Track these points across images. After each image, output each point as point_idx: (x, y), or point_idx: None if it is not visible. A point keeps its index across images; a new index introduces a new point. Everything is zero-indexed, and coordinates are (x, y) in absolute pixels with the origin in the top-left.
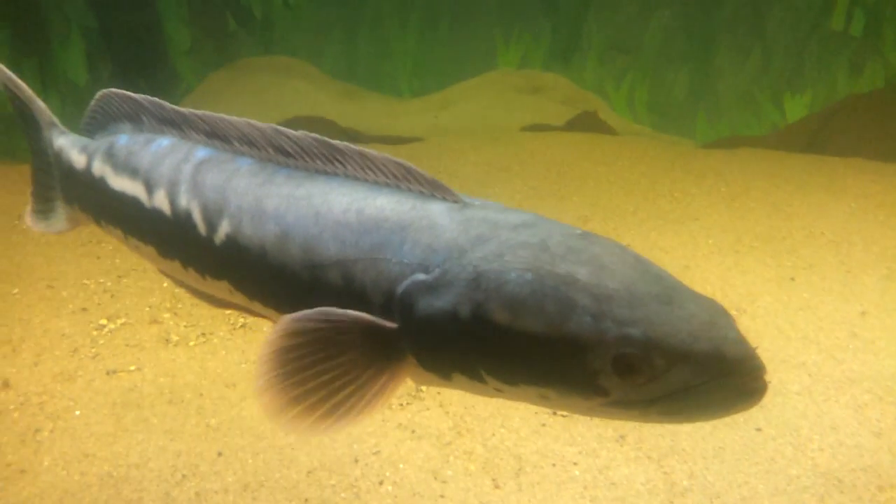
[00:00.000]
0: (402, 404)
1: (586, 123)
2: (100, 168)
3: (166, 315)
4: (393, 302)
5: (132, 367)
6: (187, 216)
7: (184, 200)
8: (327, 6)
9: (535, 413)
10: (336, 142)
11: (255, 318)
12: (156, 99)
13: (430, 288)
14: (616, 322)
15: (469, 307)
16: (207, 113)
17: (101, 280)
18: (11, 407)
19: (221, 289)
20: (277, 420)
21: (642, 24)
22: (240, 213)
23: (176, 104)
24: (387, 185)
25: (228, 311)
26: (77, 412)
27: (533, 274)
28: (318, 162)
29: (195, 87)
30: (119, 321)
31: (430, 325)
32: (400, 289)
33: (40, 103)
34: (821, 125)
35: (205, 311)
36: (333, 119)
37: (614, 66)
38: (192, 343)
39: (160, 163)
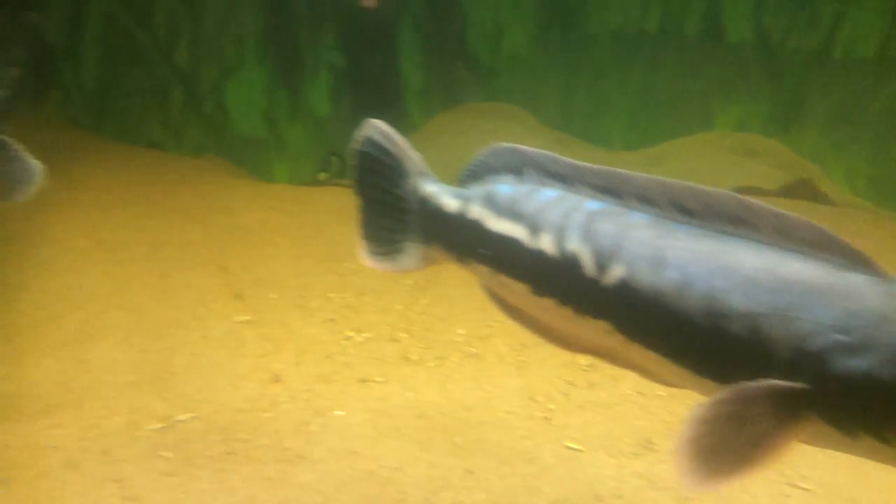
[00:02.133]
0: (635, 453)
1: (802, 191)
2: (477, 212)
3: (403, 335)
4: (804, 359)
5: (380, 379)
6: (574, 259)
7: (572, 244)
8: (550, 60)
9: (777, 481)
10: (750, 201)
11: (499, 350)
12: (548, 153)
13: (851, 349)
14: None
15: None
16: (603, 168)
17: (344, 295)
18: (282, 399)
19: (597, 329)
20: (686, 478)
21: (870, 96)
22: (635, 259)
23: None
24: (803, 252)
25: (462, 341)
26: (337, 412)
27: None
28: (725, 224)
29: (421, 125)
30: (364, 335)
31: (847, 384)
32: (815, 347)
33: (413, 154)
34: None
35: (436, 336)
36: None
37: (836, 135)
38: (429, 364)
39: (547, 210)
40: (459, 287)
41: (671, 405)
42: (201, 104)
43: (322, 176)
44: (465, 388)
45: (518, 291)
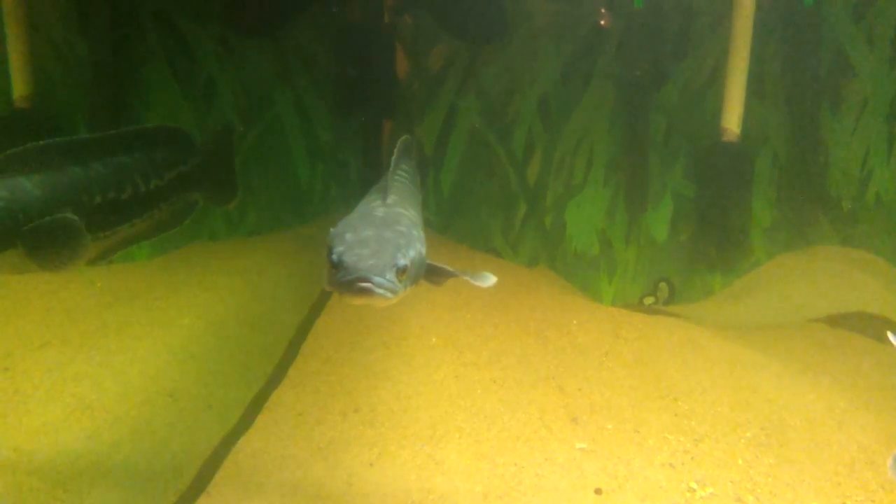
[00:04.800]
0: None
1: None
2: None
3: (749, 497)
4: None
5: None
6: None
7: None
8: None
9: None
10: None
11: None
12: None
13: None
14: None
15: None
16: None
17: (681, 438)
18: None
19: None
20: None
21: None
22: None
23: (740, 275)
24: None
25: None
26: None
27: None
28: None
29: (762, 262)
30: (707, 489)
31: None
32: None
33: None
34: None
35: None
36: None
37: None
38: None
39: None
40: (806, 450)
41: None
42: (542, 217)
43: (648, 300)
44: None
45: None
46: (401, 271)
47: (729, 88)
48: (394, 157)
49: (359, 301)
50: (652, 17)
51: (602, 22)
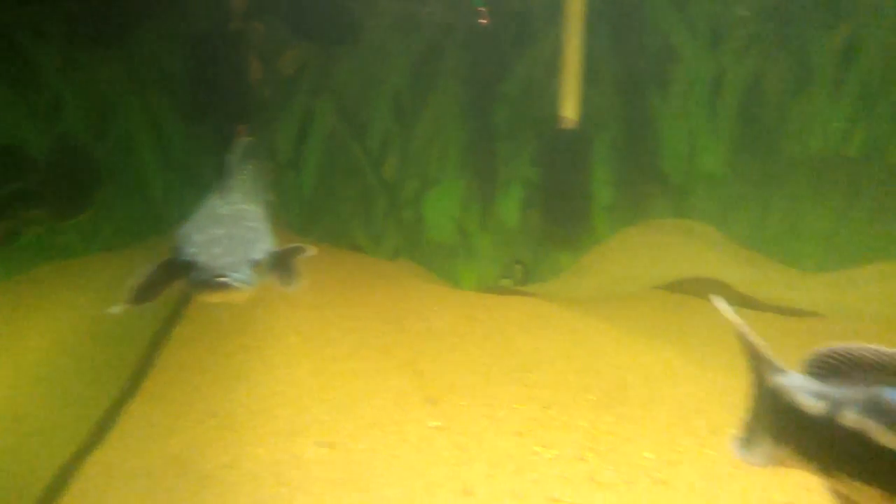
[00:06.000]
0: None
1: None
2: (856, 421)
3: (590, 454)
4: None
5: (570, 500)
6: None
7: None
8: (744, 180)
9: None
10: None
11: (689, 479)
12: None
13: None
14: None
15: None
16: None
17: (531, 407)
18: None
19: None
20: None
21: None
22: None
23: (586, 251)
24: None
25: (650, 465)
26: None
27: None
28: None
29: (605, 239)
30: (552, 451)
31: None
32: None
33: (762, 349)
34: None
35: (623, 458)
36: (730, 283)
37: None
38: (619, 488)
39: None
40: (644, 406)
41: None
42: (402, 211)
43: (504, 282)
44: None
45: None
46: (255, 265)
47: (564, 79)
48: (232, 159)
49: (217, 298)
50: (492, 15)
51: (483, 21)
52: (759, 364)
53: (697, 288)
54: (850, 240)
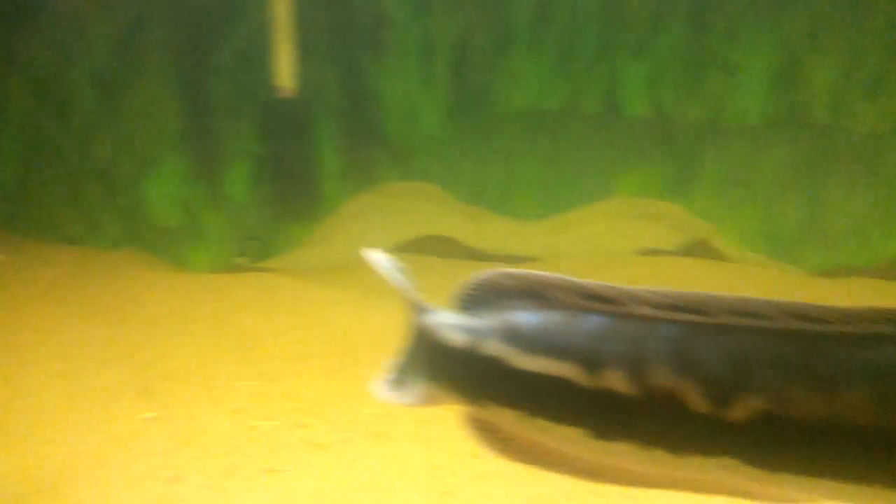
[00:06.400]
0: None
1: (700, 250)
2: (497, 348)
3: (312, 420)
4: None
5: (285, 468)
6: (669, 394)
7: (663, 378)
8: (463, 138)
9: None
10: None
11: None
12: (571, 278)
13: None
14: None
15: None
16: (666, 289)
17: (254, 383)
18: (183, 498)
19: (711, 467)
20: None
21: (759, 159)
22: (781, 383)
23: (320, 222)
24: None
25: (370, 420)
26: None
27: None
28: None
29: (337, 207)
30: (272, 422)
31: None
32: None
33: (408, 292)
34: None
35: (346, 417)
36: (459, 239)
37: (729, 196)
38: (336, 448)
39: (603, 341)
40: (375, 365)
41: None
42: (118, 197)
43: (240, 260)
44: (370, 469)
45: (568, 437)
46: None
47: (277, 48)
48: None
49: None
50: None
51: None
52: (408, 308)
53: (431, 246)
54: (558, 187)
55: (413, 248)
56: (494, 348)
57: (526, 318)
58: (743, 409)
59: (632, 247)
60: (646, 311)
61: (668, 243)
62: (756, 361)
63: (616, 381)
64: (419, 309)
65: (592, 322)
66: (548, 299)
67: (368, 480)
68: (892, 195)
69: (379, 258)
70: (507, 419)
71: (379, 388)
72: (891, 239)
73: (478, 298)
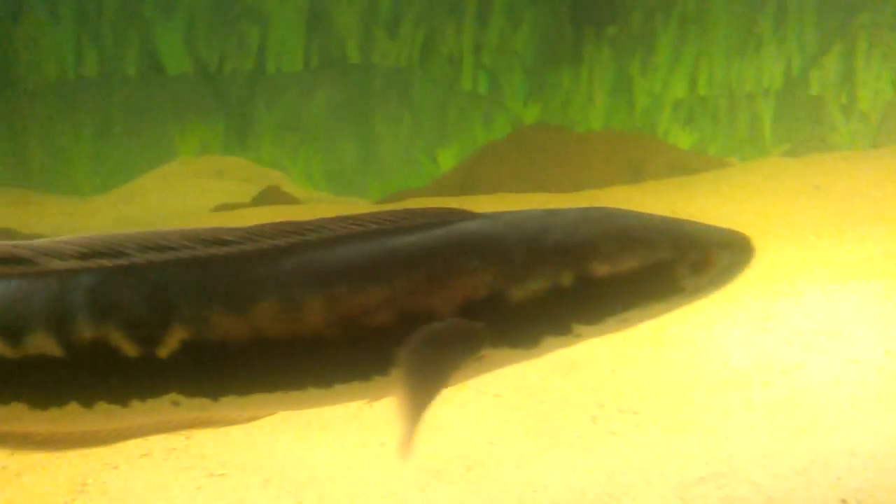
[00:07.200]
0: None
1: (271, 197)
2: None
3: None
4: (475, 306)
5: None
6: (98, 346)
7: (89, 331)
8: None
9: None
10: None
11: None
12: None
13: (520, 279)
14: (686, 241)
15: (568, 275)
16: (82, 236)
17: None
18: None
19: (159, 407)
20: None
21: (305, 104)
22: (202, 310)
23: None
24: (394, 230)
25: None
26: None
27: (615, 232)
28: (279, 240)
29: None
30: None
31: (526, 308)
32: (483, 294)
33: None
34: (468, 171)
35: None
36: (13, 227)
37: (287, 141)
38: None
39: (18, 304)
40: None
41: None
42: None
43: None
44: None
45: (9, 416)
46: None
47: None
48: None
49: None
50: None
51: None
52: None
53: None
54: (116, 158)
55: None
56: None
57: None
58: (172, 343)
59: (206, 205)
60: (59, 264)
61: (242, 196)
62: (174, 294)
63: (43, 344)
64: None
65: (9, 288)
66: None
67: None
68: (428, 122)
69: None
70: None
71: None
72: (434, 161)
73: None
